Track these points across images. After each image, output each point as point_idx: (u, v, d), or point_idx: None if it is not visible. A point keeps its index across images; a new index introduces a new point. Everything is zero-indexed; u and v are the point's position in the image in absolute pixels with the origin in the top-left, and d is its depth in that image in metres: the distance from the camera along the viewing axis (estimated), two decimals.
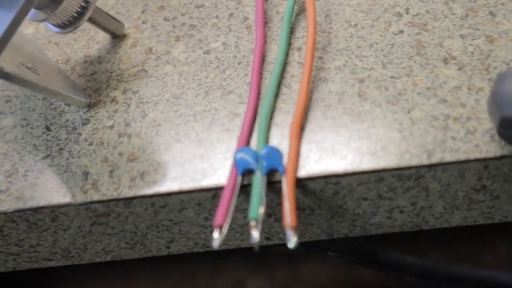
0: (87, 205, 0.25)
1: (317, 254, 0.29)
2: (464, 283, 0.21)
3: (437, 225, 0.27)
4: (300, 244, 0.30)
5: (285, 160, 0.25)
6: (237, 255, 0.90)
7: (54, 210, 0.25)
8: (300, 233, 0.28)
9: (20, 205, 0.25)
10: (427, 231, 0.85)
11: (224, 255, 0.90)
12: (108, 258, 0.29)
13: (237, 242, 0.28)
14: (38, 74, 0.26)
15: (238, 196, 0.25)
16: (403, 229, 0.28)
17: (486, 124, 0.25)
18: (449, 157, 0.24)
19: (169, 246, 0.28)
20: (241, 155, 0.24)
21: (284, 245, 0.30)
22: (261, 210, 0.23)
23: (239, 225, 0.27)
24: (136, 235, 0.27)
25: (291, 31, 0.30)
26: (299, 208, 0.26)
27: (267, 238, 0.28)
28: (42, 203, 0.25)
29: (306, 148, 0.25)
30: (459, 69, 0.27)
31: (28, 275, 0.90)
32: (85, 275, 0.93)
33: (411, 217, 0.27)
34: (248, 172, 0.25)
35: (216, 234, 0.22)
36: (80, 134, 0.27)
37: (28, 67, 0.26)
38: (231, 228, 0.27)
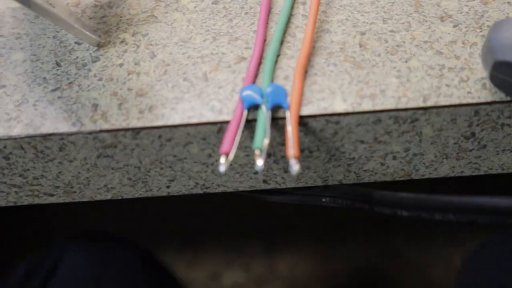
0: (96, 133, 0.26)
1: (312, 201, 0.30)
2: (456, 211, 0.22)
3: (426, 174, 0.29)
4: (294, 193, 0.31)
5: (289, 99, 0.26)
6: (213, 248, 0.91)
7: (63, 138, 0.26)
8: (297, 178, 0.29)
9: (30, 131, 0.26)
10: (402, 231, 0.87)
11: (200, 247, 0.91)
12: (109, 196, 0.30)
13: (235, 184, 0.29)
14: (53, 7, 0.27)
15: (242, 132, 0.26)
16: (395, 177, 0.29)
17: (479, 74, 0.26)
18: (443, 101, 0.25)
19: (170, 186, 0.29)
20: (247, 91, 0.26)
21: (279, 193, 0.31)
22: (266, 141, 0.24)
23: (240, 165, 0.28)
24: (139, 170, 0.28)
25: None
26: (299, 149, 0.27)
27: (264, 181, 0.29)
28: (52, 130, 0.26)
29: (309, 89, 0.26)
30: (455, 26, 0.28)
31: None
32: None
33: (403, 164, 0.28)
34: (253, 108, 0.26)
35: (223, 159, 0.24)
36: (90, 70, 0.28)
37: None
38: (231, 168, 0.28)
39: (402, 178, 0.29)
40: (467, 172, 0.29)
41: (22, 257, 0.89)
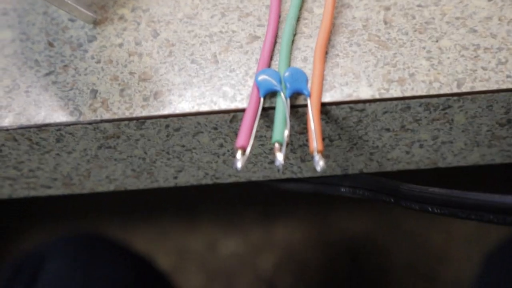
0: (96, 124, 0.23)
1: (329, 191, 0.28)
2: (498, 211, 0.20)
3: (454, 162, 0.27)
4: (309, 181, 0.29)
5: (310, 84, 0.24)
6: (209, 216, 0.89)
7: (60, 129, 0.24)
8: (314, 167, 0.27)
9: (23, 122, 0.23)
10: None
11: (196, 215, 0.89)
12: (112, 188, 0.27)
13: (248, 174, 0.27)
14: None
15: (258, 121, 0.24)
16: (419, 166, 0.27)
17: None
18: (479, 86, 0.23)
19: (177, 176, 0.27)
20: (263, 76, 0.23)
21: (294, 181, 0.29)
22: (286, 133, 0.22)
23: (254, 155, 0.26)
24: (144, 161, 0.26)
25: None
26: None
27: (279, 170, 0.27)
28: (48, 120, 0.23)
29: (330, 73, 0.24)
30: (490, 0, 0.26)
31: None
32: (57, 224, 0.91)
33: (429, 153, 0.26)
34: (269, 95, 0.24)
35: (239, 155, 0.21)
36: (86, 51, 0.25)
37: None
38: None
39: (427, 167, 0.27)
40: (498, 160, 0.27)
41: (6, 255, 0.87)
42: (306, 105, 0.23)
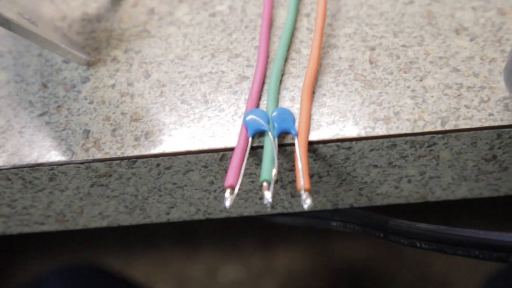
0: (88, 163, 0.24)
1: (320, 224, 0.28)
2: (484, 248, 0.21)
3: (443, 196, 0.27)
4: (301, 215, 0.29)
5: (297, 124, 0.24)
6: (209, 242, 0.89)
7: (53, 168, 0.24)
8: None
9: (16, 162, 0.24)
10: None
11: (196, 243, 0.89)
12: (104, 224, 0.28)
13: (240, 209, 0.27)
14: (37, 26, 0.25)
15: (247, 160, 0.24)
16: (409, 200, 0.27)
17: (500, 93, 0.24)
18: (463, 124, 0.24)
19: (169, 212, 0.27)
20: (251, 116, 0.24)
21: (286, 215, 0.30)
22: (274, 171, 0.22)
23: (244, 191, 0.26)
24: (136, 198, 0.26)
25: None
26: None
27: (271, 206, 0.27)
28: (41, 160, 0.24)
29: (317, 112, 0.25)
30: (471, 40, 0.26)
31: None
32: (55, 255, 0.91)
33: (418, 187, 0.27)
34: (257, 135, 0.24)
35: (227, 194, 0.22)
36: (79, 92, 0.26)
37: (26, 18, 0.25)
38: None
39: (417, 201, 0.27)
40: (486, 194, 0.27)
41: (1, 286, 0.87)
42: (294, 144, 0.24)
